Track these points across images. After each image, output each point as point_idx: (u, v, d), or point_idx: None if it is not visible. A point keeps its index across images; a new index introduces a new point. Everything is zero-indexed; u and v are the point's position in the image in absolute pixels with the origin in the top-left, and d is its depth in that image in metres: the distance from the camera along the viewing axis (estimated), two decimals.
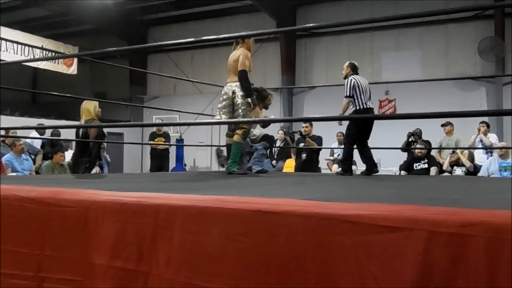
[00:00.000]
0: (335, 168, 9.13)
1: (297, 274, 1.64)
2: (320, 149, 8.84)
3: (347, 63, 6.11)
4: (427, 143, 8.60)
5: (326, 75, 14.69)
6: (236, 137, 5.25)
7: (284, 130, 10.14)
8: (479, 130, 8.90)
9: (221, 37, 3.78)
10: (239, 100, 5.09)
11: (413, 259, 1.47)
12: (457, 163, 8.49)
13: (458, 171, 8.40)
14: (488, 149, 8.63)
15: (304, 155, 8.59)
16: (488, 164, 8.19)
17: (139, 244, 1.95)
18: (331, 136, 9.94)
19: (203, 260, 1.80)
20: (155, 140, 10.40)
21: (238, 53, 5.15)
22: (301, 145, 8.65)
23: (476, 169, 8.37)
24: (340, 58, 14.42)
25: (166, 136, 10.92)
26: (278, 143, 10.38)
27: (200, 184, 3.87)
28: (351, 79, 5.83)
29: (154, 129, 10.74)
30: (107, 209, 2.06)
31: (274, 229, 1.69)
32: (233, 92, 5.13)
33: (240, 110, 5.08)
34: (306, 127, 8.67)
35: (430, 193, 3.25)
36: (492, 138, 9.03)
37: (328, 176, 6.83)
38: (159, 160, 10.62)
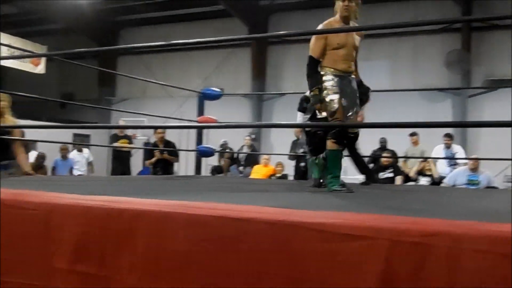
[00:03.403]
0: None
1: (261, 281, 1.64)
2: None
3: None
4: (392, 152, 8.72)
5: (296, 83, 14.77)
6: (328, 144, 3.88)
7: (253, 136, 10.10)
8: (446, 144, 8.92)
9: (192, 41, 3.76)
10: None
11: (375, 268, 1.48)
12: (421, 172, 8.62)
13: (423, 180, 8.54)
14: (453, 159, 8.76)
15: None
16: (455, 175, 8.17)
17: (101, 248, 1.92)
18: None
19: (166, 266, 1.79)
20: (119, 142, 10.24)
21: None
22: None
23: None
24: None
25: (129, 138, 10.77)
26: (245, 149, 10.36)
27: (166, 188, 3.84)
28: None
29: (117, 130, 10.56)
30: (70, 212, 2.03)
31: (238, 236, 1.69)
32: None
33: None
34: None
35: (394, 202, 3.29)
36: (457, 149, 9.16)
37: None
38: (121, 163, 10.45)
